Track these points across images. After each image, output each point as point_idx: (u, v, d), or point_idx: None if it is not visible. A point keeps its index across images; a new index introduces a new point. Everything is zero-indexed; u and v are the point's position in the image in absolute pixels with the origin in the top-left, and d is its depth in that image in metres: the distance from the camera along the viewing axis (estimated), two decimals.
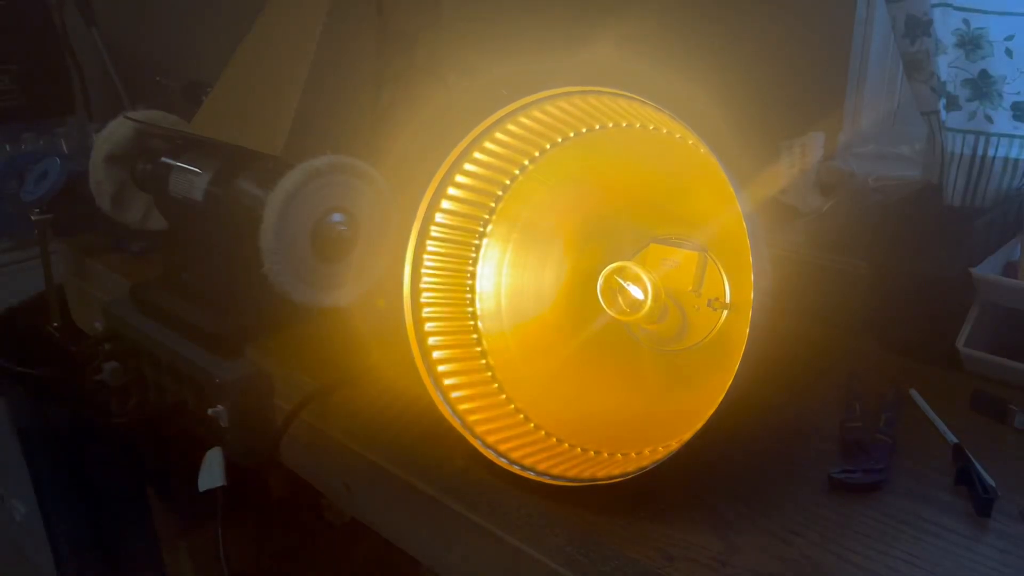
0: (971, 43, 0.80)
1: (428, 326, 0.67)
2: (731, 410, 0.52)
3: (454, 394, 0.65)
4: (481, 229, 0.70)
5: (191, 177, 0.82)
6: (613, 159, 0.68)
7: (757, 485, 0.59)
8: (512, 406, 0.66)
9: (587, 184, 0.70)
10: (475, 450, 0.61)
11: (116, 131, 0.91)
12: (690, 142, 0.58)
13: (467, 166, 0.67)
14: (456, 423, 0.63)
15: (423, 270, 0.67)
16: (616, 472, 0.56)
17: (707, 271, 0.67)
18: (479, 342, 0.69)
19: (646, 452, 0.59)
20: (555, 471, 0.59)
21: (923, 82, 0.83)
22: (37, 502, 1.58)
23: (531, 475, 0.58)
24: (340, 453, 0.73)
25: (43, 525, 1.61)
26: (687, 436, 0.52)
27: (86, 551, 1.46)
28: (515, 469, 0.59)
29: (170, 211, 0.88)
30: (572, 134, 0.66)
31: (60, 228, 1.08)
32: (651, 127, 0.62)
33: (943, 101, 0.82)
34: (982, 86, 0.81)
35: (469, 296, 0.70)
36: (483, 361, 0.68)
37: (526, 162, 0.68)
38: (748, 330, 0.51)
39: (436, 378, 0.65)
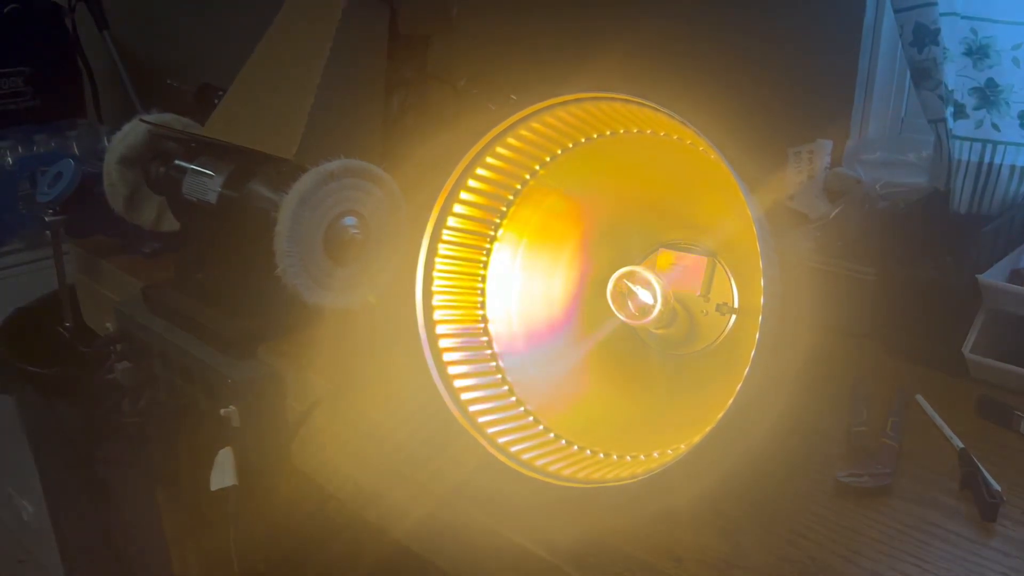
0: (979, 52, 0.81)
1: (440, 328, 0.68)
2: (739, 414, 0.52)
3: (465, 396, 0.66)
4: (492, 233, 0.70)
5: (204, 180, 0.83)
6: (623, 165, 0.69)
7: (764, 488, 0.60)
8: (522, 408, 0.67)
9: (597, 189, 0.71)
10: (486, 451, 0.62)
11: (130, 133, 0.91)
12: (700, 148, 0.59)
13: (479, 171, 0.67)
14: (467, 425, 0.63)
15: (435, 273, 0.68)
16: (625, 474, 0.56)
17: (716, 276, 0.68)
18: (490, 344, 0.70)
19: (655, 455, 0.60)
20: (564, 473, 0.60)
21: (930, 90, 0.84)
22: (45, 502, 1.59)
23: (541, 477, 0.59)
24: (351, 454, 0.73)
25: (50, 524, 1.62)
26: (695, 439, 0.53)
27: (94, 551, 1.47)
28: (525, 471, 0.60)
29: (183, 213, 0.89)
30: (583, 140, 0.67)
31: (73, 229, 1.09)
32: (661, 133, 0.63)
33: (950, 109, 0.83)
34: (989, 95, 0.82)
35: (480, 299, 0.70)
36: (494, 363, 0.69)
37: (537, 167, 0.69)
38: (757, 335, 0.52)
39: (447, 380, 0.66)
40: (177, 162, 0.87)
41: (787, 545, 0.54)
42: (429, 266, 0.68)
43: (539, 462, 0.61)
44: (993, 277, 0.74)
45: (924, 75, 0.84)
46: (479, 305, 0.70)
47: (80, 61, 1.72)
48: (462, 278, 0.70)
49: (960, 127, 0.83)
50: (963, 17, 0.80)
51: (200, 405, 0.84)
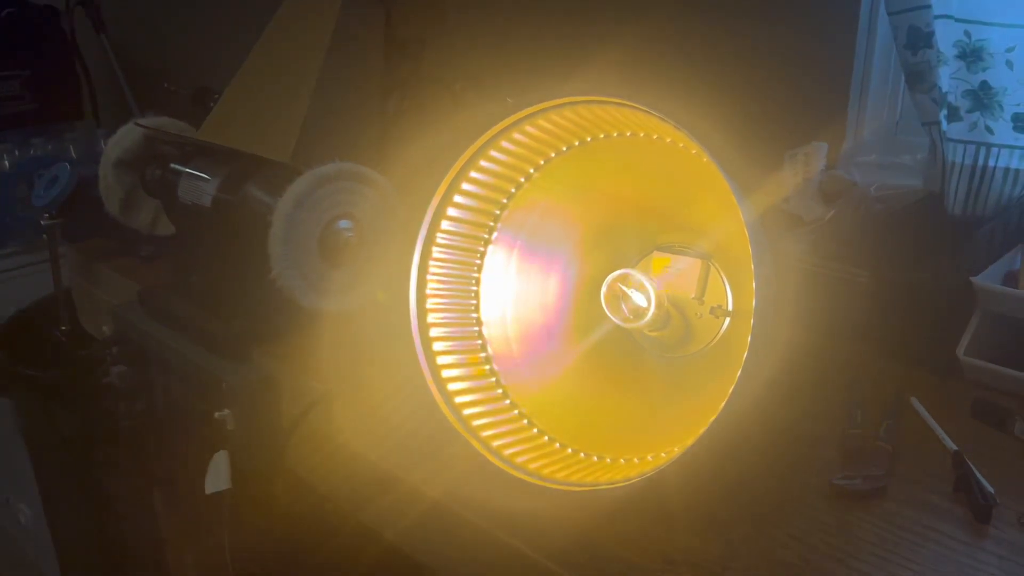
0: (972, 55, 0.81)
1: (433, 331, 0.68)
2: (733, 416, 0.52)
3: (458, 399, 0.66)
4: (486, 236, 0.70)
5: (200, 183, 0.83)
6: (617, 168, 0.69)
7: (758, 491, 0.60)
8: (516, 411, 0.67)
9: (591, 193, 0.71)
10: (480, 454, 0.62)
11: (126, 137, 0.92)
12: (693, 152, 0.59)
13: (473, 174, 0.67)
14: (460, 427, 0.63)
15: (429, 276, 0.68)
16: (619, 477, 0.57)
17: (710, 279, 0.68)
18: (484, 347, 0.70)
19: (648, 458, 0.60)
20: (558, 476, 0.60)
21: (925, 93, 0.84)
22: (42, 505, 1.59)
23: (535, 479, 0.59)
24: (346, 457, 0.73)
25: (47, 528, 1.62)
26: (689, 442, 0.53)
27: (91, 554, 1.47)
28: (519, 473, 0.60)
29: (179, 217, 0.89)
30: (577, 143, 0.67)
31: (69, 232, 1.09)
32: (655, 136, 0.63)
33: (944, 112, 0.83)
34: (983, 97, 0.82)
35: (474, 302, 0.70)
36: (487, 367, 0.69)
37: (531, 170, 0.69)
38: (750, 337, 0.52)
39: (441, 383, 0.66)
40: (173, 165, 0.87)
41: (780, 548, 0.54)
42: (423, 269, 0.68)
43: (533, 465, 0.61)
44: (987, 279, 0.74)
45: (918, 78, 0.84)
46: (473, 308, 0.70)
47: (77, 64, 1.72)
48: (456, 280, 0.70)
49: (954, 130, 0.84)
50: (957, 20, 0.81)
51: (196, 408, 0.84)
